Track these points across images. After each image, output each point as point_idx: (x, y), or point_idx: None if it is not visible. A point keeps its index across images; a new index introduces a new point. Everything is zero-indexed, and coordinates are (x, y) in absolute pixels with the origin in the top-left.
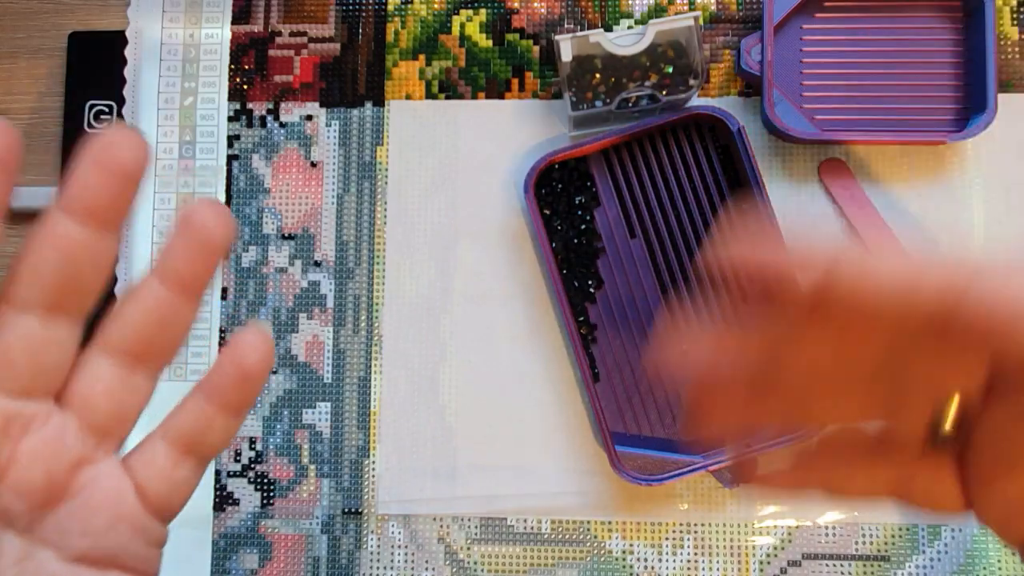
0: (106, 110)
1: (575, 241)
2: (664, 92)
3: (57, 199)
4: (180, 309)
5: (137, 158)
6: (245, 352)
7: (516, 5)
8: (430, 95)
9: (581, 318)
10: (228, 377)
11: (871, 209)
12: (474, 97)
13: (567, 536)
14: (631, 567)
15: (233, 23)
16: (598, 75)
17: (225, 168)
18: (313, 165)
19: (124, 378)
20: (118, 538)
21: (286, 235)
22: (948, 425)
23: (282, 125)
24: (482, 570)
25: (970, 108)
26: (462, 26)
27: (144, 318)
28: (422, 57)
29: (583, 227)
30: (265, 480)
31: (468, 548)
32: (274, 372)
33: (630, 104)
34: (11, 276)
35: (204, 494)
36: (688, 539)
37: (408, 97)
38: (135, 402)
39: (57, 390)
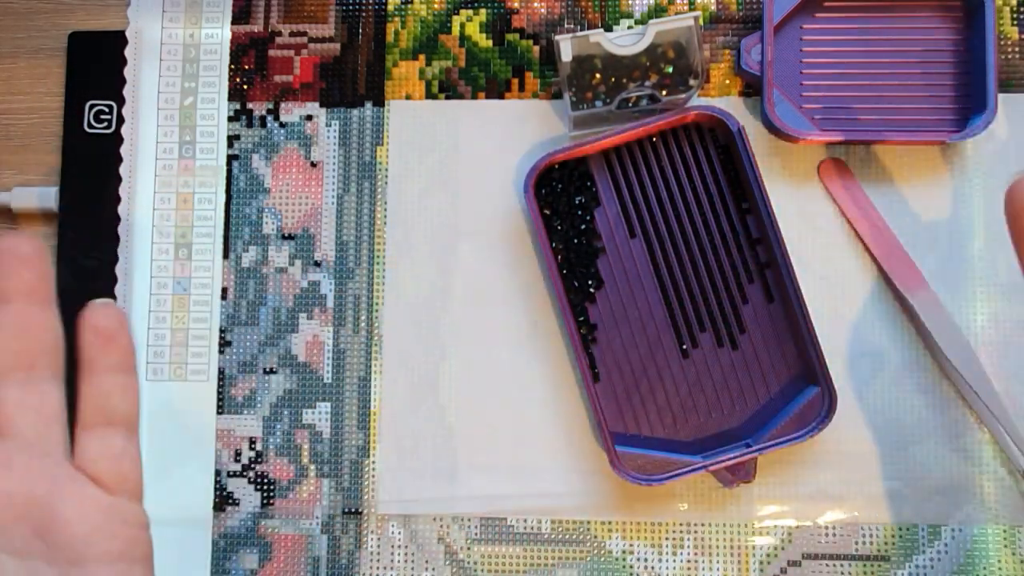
0: (106, 110)
1: (575, 241)
2: (664, 92)
3: None
4: (39, 317)
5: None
6: (96, 318)
7: (516, 5)
8: (430, 95)
9: (581, 318)
10: (93, 346)
11: (871, 209)
12: (474, 97)
13: (567, 536)
14: (631, 567)
15: (233, 23)
16: (598, 75)
17: (225, 168)
18: (313, 165)
19: (27, 391)
20: (102, 534)
21: (286, 235)
22: None
23: (282, 125)
24: (482, 570)
25: (970, 108)
26: (462, 26)
27: (13, 336)
28: (422, 57)
29: (583, 227)
30: (265, 480)
31: (468, 548)
32: (274, 372)
33: (630, 104)
34: None
35: (204, 494)
36: (688, 539)
37: (408, 97)
38: (52, 409)
39: None
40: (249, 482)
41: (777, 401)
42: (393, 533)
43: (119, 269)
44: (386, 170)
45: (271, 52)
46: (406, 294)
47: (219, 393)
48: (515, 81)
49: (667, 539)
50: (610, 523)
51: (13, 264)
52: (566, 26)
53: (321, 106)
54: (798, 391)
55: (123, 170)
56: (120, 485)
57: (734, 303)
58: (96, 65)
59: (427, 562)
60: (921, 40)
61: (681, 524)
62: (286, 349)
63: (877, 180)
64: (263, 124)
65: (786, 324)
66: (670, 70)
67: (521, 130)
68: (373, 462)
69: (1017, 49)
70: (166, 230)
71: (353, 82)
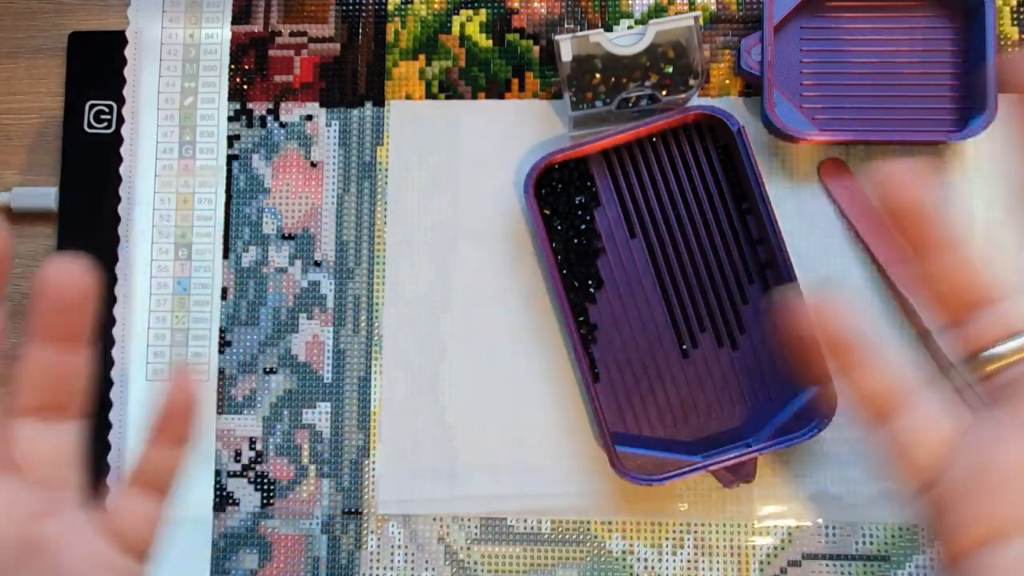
0: (106, 110)
1: (575, 241)
2: (664, 92)
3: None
4: (70, 360)
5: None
6: (173, 395)
7: (516, 5)
8: (430, 95)
9: (581, 318)
10: (164, 417)
11: (871, 209)
12: (474, 97)
13: (567, 536)
14: (631, 567)
15: (233, 23)
16: (598, 75)
17: (225, 168)
18: (313, 165)
19: (50, 431)
20: None
21: (286, 235)
22: None
23: (282, 125)
24: (482, 570)
25: (970, 108)
26: (462, 26)
27: (42, 376)
28: (422, 57)
29: (583, 227)
30: (265, 480)
31: (468, 548)
32: (274, 372)
33: (630, 104)
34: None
35: (204, 494)
36: (688, 539)
37: (408, 97)
38: (69, 448)
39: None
40: (249, 482)
41: (777, 401)
42: (393, 533)
43: (119, 269)
44: (386, 170)
45: (271, 52)
46: (406, 294)
47: (219, 393)
48: (515, 81)
49: (667, 539)
50: (610, 523)
51: (57, 303)
52: (566, 26)
53: (321, 106)
54: (798, 391)
55: (123, 170)
56: (138, 549)
57: (734, 303)
58: (96, 65)
59: (427, 562)
60: (921, 40)
61: (681, 524)
62: (286, 349)
63: None
64: (263, 124)
65: None
66: (670, 70)
67: (521, 130)
68: (373, 462)
69: (1017, 49)
70: (166, 230)
71: (353, 82)
